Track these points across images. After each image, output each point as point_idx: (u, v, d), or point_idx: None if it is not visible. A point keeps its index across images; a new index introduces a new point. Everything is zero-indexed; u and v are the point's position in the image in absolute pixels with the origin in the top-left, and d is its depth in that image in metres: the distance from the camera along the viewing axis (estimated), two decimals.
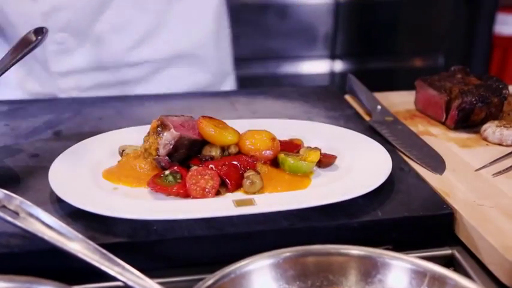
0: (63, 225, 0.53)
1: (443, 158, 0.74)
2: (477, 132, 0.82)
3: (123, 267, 0.50)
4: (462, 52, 2.33)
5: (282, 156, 0.68)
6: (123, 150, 0.70)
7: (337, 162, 0.70)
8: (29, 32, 0.73)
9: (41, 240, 0.52)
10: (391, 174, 0.67)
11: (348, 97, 0.99)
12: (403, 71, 2.40)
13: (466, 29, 2.30)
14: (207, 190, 0.62)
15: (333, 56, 2.33)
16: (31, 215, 0.53)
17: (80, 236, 0.52)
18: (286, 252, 0.54)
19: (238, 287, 0.50)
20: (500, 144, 0.79)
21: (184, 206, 0.61)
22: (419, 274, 0.53)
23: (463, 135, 0.82)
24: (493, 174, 0.70)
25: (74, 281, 0.53)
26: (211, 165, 0.65)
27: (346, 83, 1.00)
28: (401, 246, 0.61)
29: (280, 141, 0.70)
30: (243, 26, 2.20)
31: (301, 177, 0.67)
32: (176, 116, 0.70)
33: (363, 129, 0.84)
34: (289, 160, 0.67)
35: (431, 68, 2.36)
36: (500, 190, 0.66)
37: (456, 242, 0.63)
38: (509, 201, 0.64)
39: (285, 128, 0.77)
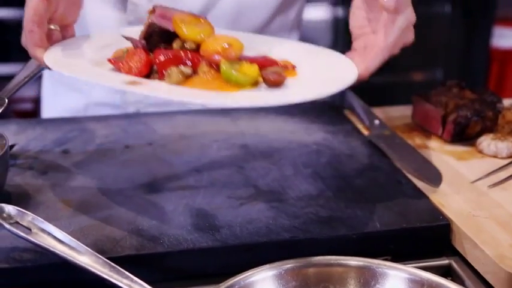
0: (74, 239, 0.55)
1: (440, 170, 0.76)
2: (473, 145, 0.84)
3: (132, 280, 0.52)
4: (460, 66, 2.36)
5: (222, 60, 0.62)
6: None
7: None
8: None
9: (53, 254, 0.54)
10: (389, 186, 0.69)
11: (346, 112, 1.01)
12: (403, 86, 2.43)
13: (463, 43, 2.33)
14: (133, 69, 0.63)
15: None
16: (43, 231, 0.55)
17: (90, 250, 0.54)
18: (288, 264, 0.57)
19: None
20: (495, 157, 0.81)
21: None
22: (417, 284, 0.55)
23: (459, 148, 0.84)
24: (488, 186, 0.73)
25: None
26: (159, 53, 0.64)
27: (345, 98, 1.02)
28: (399, 256, 0.63)
29: (259, 57, 0.66)
30: None
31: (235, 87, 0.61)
32: (176, 10, 0.69)
33: (362, 143, 0.86)
34: (223, 66, 0.61)
35: (430, 82, 2.39)
36: (495, 201, 0.69)
37: (453, 253, 0.65)
38: (504, 212, 0.66)
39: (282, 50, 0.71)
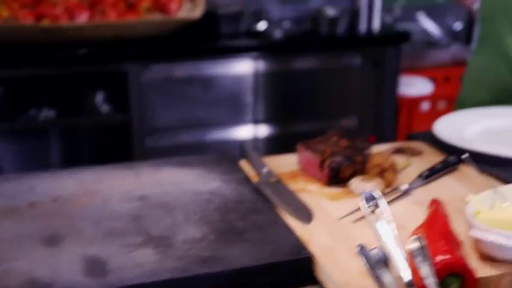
0: None
1: (313, 210, 0.86)
2: (346, 186, 0.95)
3: None
4: (373, 113, 2.53)
5: None
6: None
7: None
8: None
9: None
10: (266, 227, 0.78)
11: (243, 162, 1.11)
12: (324, 133, 2.57)
13: (374, 92, 2.51)
14: None
15: (255, 122, 2.48)
16: None
17: None
18: None
19: None
20: None
21: None
22: None
23: (334, 190, 0.95)
24: (352, 222, 0.83)
25: None
26: None
27: (242, 149, 1.12)
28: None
29: None
30: (170, 97, 2.33)
31: None
32: None
33: (250, 190, 0.96)
34: None
35: (347, 129, 2.54)
36: (353, 235, 0.79)
37: (316, 282, 0.74)
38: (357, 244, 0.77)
39: None
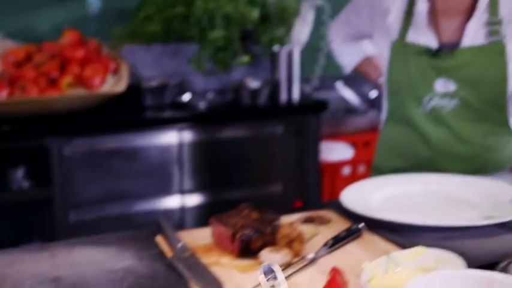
0: None
1: (224, 283, 0.89)
2: (257, 258, 0.99)
3: None
4: (297, 179, 2.60)
5: None
6: None
7: None
8: None
9: None
10: None
11: (160, 237, 1.13)
12: (253, 199, 2.62)
13: (297, 159, 2.59)
14: None
15: (182, 192, 2.50)
16: None
17: None
18: None
19: None
20: None
21: None
22: None
23: (246, 262, 0.98)
24: None
25: None
26: None
27: (159, 224, 1.14)
28: None
29: None
30: (94, 170, 2.32)
31: None
32: None
33: (164, 266, 0.98)
34: None
35: (272, 195, 2.60)
36: None
37: None
38: None
39: None
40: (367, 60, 1.72)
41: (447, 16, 1.43)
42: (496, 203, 1.15)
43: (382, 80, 1.66)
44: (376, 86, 1.79)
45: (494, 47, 1.40)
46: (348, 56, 1.74)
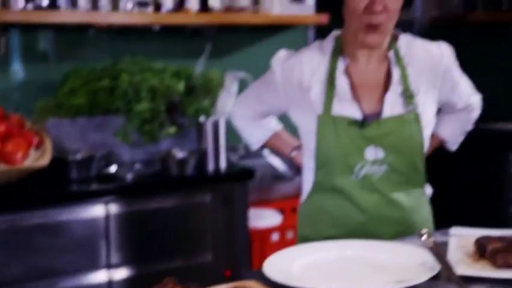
0: None
1: None
2: None
3: None
4: (226, 247, 2.61)
5: None
6: None
7: None
8: None
9: None
10: None
11: None
12: (183, 270, 2.58)
13: (226, 227, 2.60)
14: None
15: (109, 266, 2.43)
16: None
17: None
18: None
19: None
20: None
21: None
22: None
23: None
24: None
25: None
26: None
27: None
28: None
29: None
30: (15, 249, 2.24)
31: None
32: None
33: None
34: None
35: (202, 265, 2.58)
36: None
37: None
38: None
39: None
40: (276, 136, 1.76)
41: (367, 89, 1.53)
42: (408, 267, 1.20)
43: (295, 153, 1.72)
44: (289, 160, 1.83)
45: (411, 116, 1.51)
46: (256, 134, 1.75)
